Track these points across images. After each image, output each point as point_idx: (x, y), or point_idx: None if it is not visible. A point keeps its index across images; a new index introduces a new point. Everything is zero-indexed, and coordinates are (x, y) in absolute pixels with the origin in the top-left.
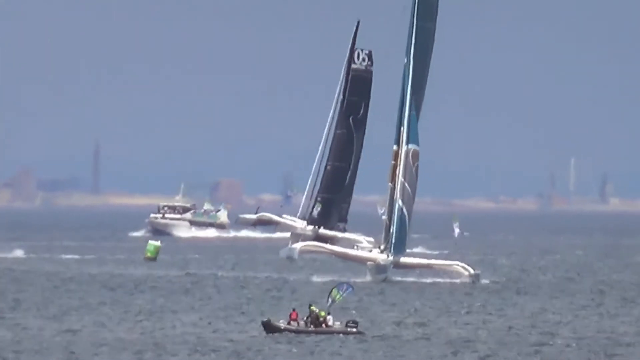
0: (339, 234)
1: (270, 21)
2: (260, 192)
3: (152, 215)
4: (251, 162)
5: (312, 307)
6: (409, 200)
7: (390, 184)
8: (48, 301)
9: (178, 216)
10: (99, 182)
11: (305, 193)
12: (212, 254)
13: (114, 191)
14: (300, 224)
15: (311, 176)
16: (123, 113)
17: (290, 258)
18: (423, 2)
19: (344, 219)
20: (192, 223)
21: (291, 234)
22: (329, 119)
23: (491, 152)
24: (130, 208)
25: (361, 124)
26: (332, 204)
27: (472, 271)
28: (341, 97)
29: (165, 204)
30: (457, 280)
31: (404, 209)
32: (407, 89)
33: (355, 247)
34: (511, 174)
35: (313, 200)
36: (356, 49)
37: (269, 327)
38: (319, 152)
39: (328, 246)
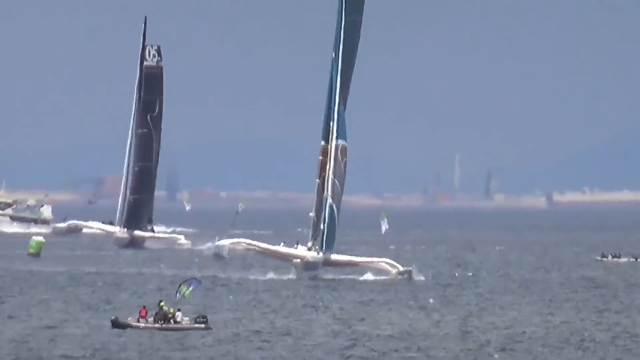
0: (160, 235)
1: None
2: None
3: None
4: None
5: (162, 304)
6: (338, 196)
7: (318, 180)
8: None
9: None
10: None
11: (121, 195)
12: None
13: None
14: (115, 228)
15: (123, 178)
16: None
17: (218, 255)
18: None
19: (151, 219)
20: (14, 219)
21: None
22: (132, 119)
23: (375, 148)
24: None
25: (158, 121)
26: (143, 204)
27: (400, 268)
28: (137, 95)
29: None
30: (386, 277)
31: (334, 206)
32: (335, 83)
33: (282, 243)
34: (396, 170)
35: (125, 202)
36: (146, 45)
37: (118, 325)
38: (127, 153)
39: (257, 243)
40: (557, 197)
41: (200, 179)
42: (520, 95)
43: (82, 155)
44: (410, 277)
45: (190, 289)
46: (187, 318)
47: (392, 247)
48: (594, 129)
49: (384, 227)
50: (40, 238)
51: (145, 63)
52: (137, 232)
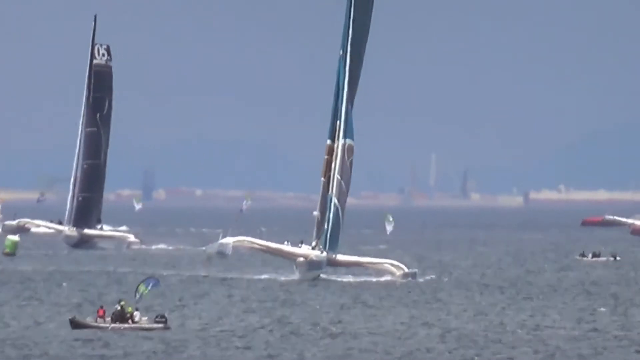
0: (109, 233)
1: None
2: (119, 187)
3: None
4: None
5: (121, 303)
6: (343, 196)
7: (323, 179)
8: None
9: None
10: None
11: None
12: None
13: None
14: (64, 227)
15: (72, 176)
16: None
17: (221, 254)
18: None
19: (100, 217)
20: None
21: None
22: (81, 117)
23: None
24: None
25: (107, 120)
26: (92, 203)
27: (405, 269)
28: (87, 94)
29: None
30: (390, 278)
31: (339, 205)
32: (343, 82)
33: (286, 242)
34: (372, 169)
35: (74, 200)
36: (96, 44)
37: (76, 324)
38: (76, 151)
39: (261, 241)
40: (533, 195)
41: (176, 178)
42: (496, 95)
43: (54, 155)
44: (415, 279)
45: (149, 288)
46: (146, 318)
47: (382, 246)
48: (570, 129)
49: (389, 228)
50: (16, 237)
51: (94, 62)
52: (86, 231)
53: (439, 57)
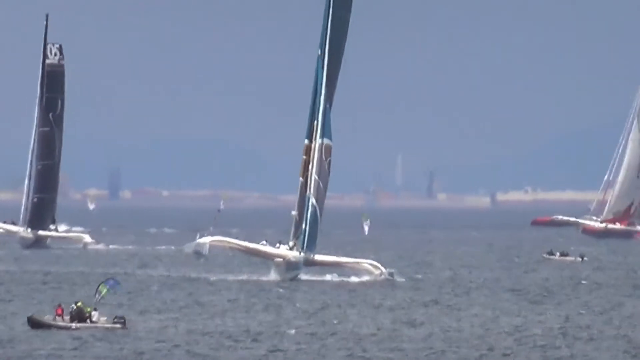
0: (65, 234)
1: None
2: (86, 187)
3: None
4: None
5: (78, 304)
6: (321, 196)
7: (301, 178)
8: None
9: None
10: None
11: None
12: None
13: None
14: (18, 228)
15: (27, 177)
16: None
17: (198, 253)
18: None
19: (54, 218)
20: None
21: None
22: (35, 117)
23: None
24: None
25: (60, 120)
26: (46, 204)
27: (383, 270)
28: (40, 94)
29: None
30: (368, 278)
31: (317, 206)
32: (321, 81)
33: (263, 242)
34: (338, 170)
35: (29, 201)
36: (48, 43)
37: (34, 323)
38: (30, 152)
39: (237, 241)
40: (500, 196)
41: (143, 178)
42: (463, 95)
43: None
44: (392, 279)
45: (109, 288)
46: (104, 318)
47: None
48: (537, 129)
49: (366, 227)
50: None
51: (47, 61)
52: (41, 232)
53: (406, 57)
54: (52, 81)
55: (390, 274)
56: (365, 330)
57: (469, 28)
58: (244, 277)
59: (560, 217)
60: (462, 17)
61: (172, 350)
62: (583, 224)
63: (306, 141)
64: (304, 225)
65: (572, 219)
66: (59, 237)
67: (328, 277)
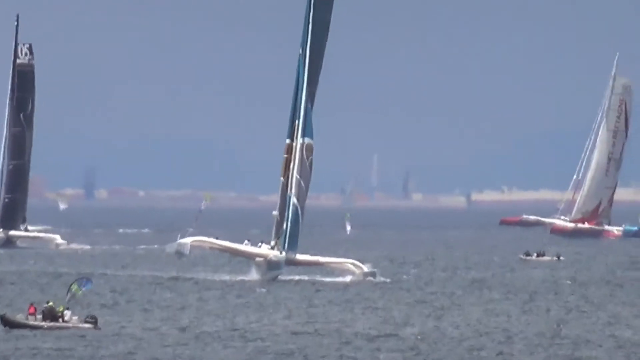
0: (36, 234)
1: None
2: (62, 187)
3: None
4: (54, 156)
5: (49, 303)
6: (302, 195)
7: (282, 178)
8: None
9: None
10: None
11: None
12: None
13: None
14: None
15: None
16: None
17: (179, 254)
18: None
19: (25, 218)
20: None
21: None
22: (5, 117)
23: None
24: None
25: (31, 120)
26: (17, 204)
27: (365, 269)
28: (11, 94)
29: None
30: (350, 278)
31: (298, 205)
32: (302, 80)
33: (245, 242)
34: (314, 170)
35: (0, 202)
36: (18, 43)
37: (6, 322)
38: (1, 151)
39: (219, 241)
40: (475, 196)
41: (119, 178)
42: (437, 94)
43: None
44: (375, 278)
45: (81, 288)
46: (76, 317)
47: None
48: (512, 129)
49: (349, 227)
50: None
51: (17, 61)
52: (12, 232)
53: (381, 57)
54: (23, 81)
55: (372, 274)
56: (350, 330)
57: (443, 32)
58: (226, 277)
59: (528, 216)
60: (440, 20)
61: (155, 350)
62: (552, 223)
63: (287, 140)
64: (285, 225)
65: (541, 219)
66: (30, 237)
67: (310, 277)
